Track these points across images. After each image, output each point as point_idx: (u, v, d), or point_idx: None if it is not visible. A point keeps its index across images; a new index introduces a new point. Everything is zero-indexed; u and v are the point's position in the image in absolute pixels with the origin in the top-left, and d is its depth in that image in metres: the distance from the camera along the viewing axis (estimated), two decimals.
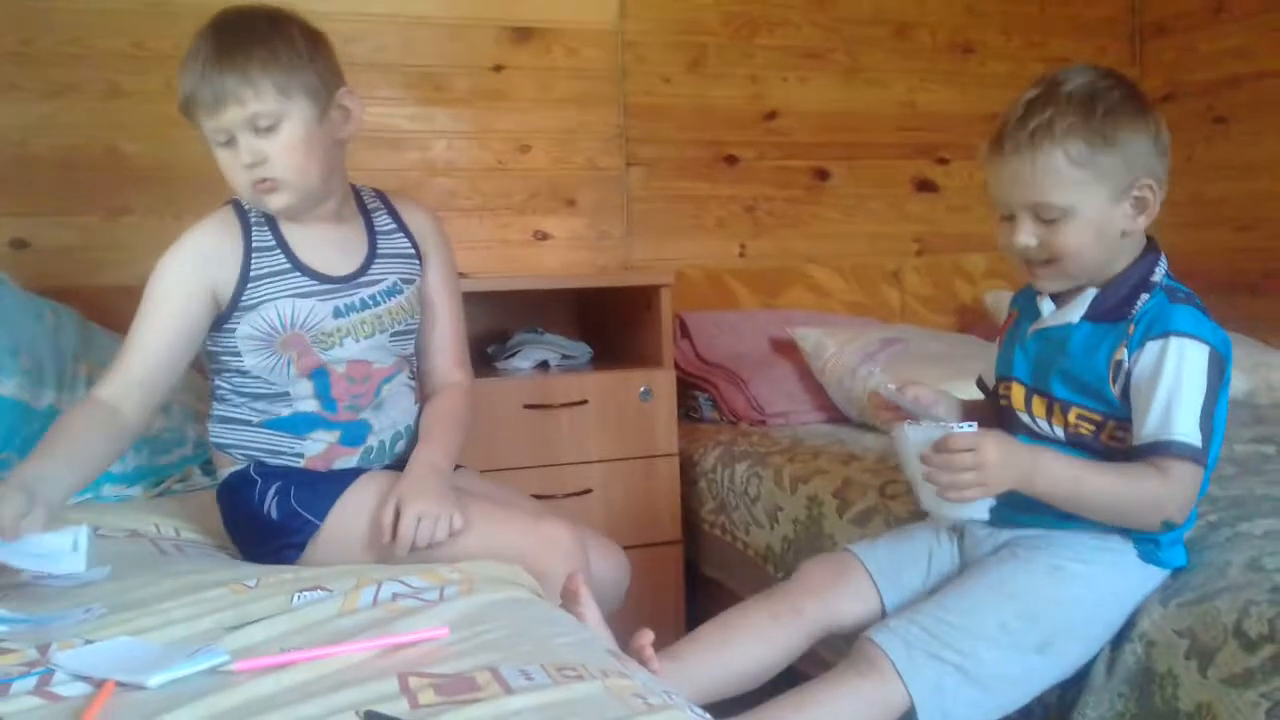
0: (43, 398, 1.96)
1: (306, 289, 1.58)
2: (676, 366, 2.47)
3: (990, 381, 1.61)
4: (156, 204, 2.41)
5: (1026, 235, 1.38)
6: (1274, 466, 1.80)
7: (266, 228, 1.59)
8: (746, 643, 1.47)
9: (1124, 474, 1.31)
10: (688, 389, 2.64)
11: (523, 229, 2.79)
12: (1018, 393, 1.47)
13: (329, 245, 1.62)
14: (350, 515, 1.55)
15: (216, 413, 1.65)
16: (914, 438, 1.33)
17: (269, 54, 1.48)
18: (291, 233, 1.59)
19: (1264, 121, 2.96)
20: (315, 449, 1.61)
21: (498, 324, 2.65)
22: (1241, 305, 2.83)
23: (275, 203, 1.54)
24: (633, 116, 2.86)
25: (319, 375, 1.60)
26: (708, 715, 0.99)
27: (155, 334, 1.53)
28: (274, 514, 1.56)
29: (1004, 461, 1.29)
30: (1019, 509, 1.41)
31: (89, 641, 1.12)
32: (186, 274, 1.55)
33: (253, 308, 1.55)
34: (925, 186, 3.19)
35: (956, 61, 3.18)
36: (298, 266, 1.58)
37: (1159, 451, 1.29)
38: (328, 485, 1.58)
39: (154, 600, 1.25)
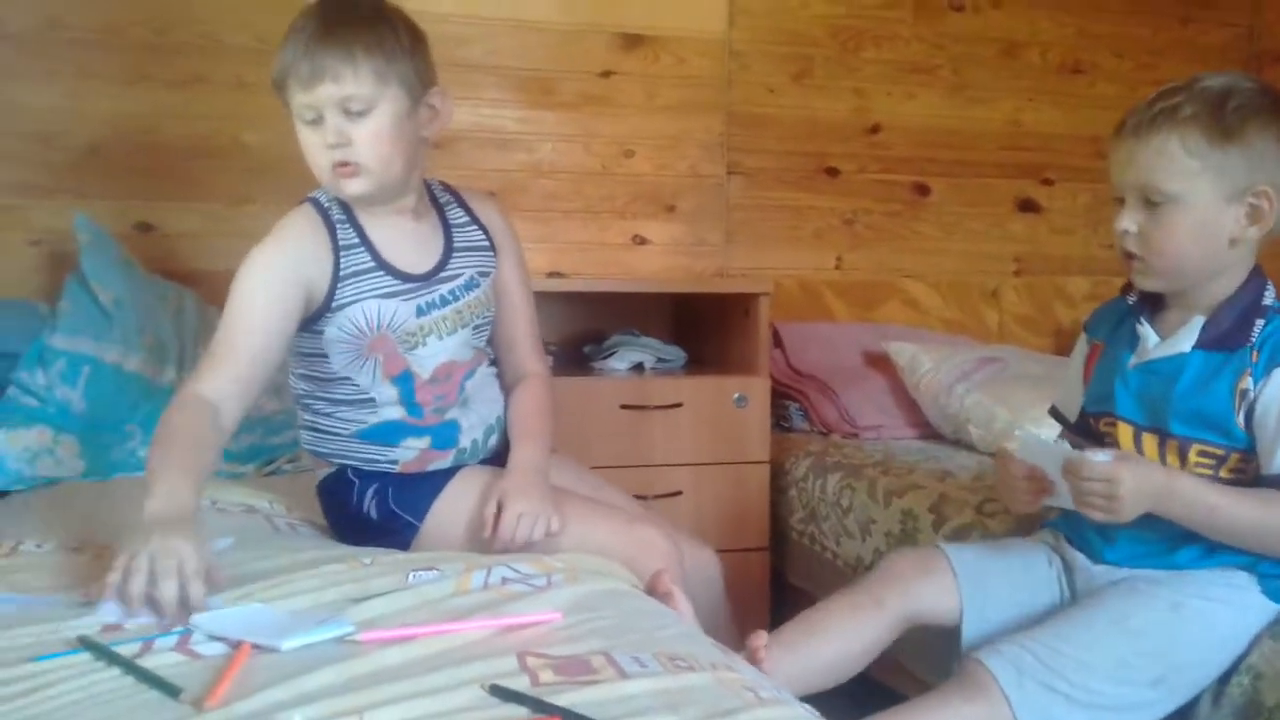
0: (165, 375, 2.06)
1: (391, 289, 1.55)
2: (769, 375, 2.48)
3: (1070, 414, 1.57)
4: (277, 194, 2.49)
5: (1128, 220, 1.35)
6: None
7: (349, 225, 1.55)
8: (828, 636, 1.47)
9: (1263, 502, 1.28)
10: (779, 398, 2.65)
11: (622, 232, 2.82)
12: (1125, 432, 1.42)
13: (408, 241, 1.60)
14: (449, 515, 1.57)
15: (306, 422, 1.63)
16: (1030, 448, 1.36)
17: (374, 38, 1.46)
18: (373, 229, 1.56)
19: None
20: (408, 455, 1.60)
21: (594, 325, 2.69)
22: None
23: (352, 188, 1.50)
24: (736, 125, 2.88)
25: (403, 380, 1.58)
26: (817, 712, 1.01)
27: (256, 334, 1.48)
28: (373, 514, 1.58)
29: (1137, 491, 1.28)
30: (1143, 557, 1.39)
31: (221, 606, 1.17)
32: (281, 271, 1.50)
33: (343, 308, 1.52)
34: (1027, 207, 3.15)
35: (1065, 82, 3.14)
36: (381, 265, 1.55)
37: None
38: (425, 486, 1.59)
39: (278, 572, 1.31)
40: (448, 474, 1.61)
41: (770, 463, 2.38)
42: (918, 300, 3.03)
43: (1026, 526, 1.73)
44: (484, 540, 1.52)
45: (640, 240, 2.83)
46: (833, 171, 2.98)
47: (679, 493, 2.31)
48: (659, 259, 2.84)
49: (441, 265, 1.62)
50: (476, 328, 1.65)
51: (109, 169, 2.42)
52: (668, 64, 2.80)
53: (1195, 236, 1.33)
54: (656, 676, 0.99)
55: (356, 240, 1.55)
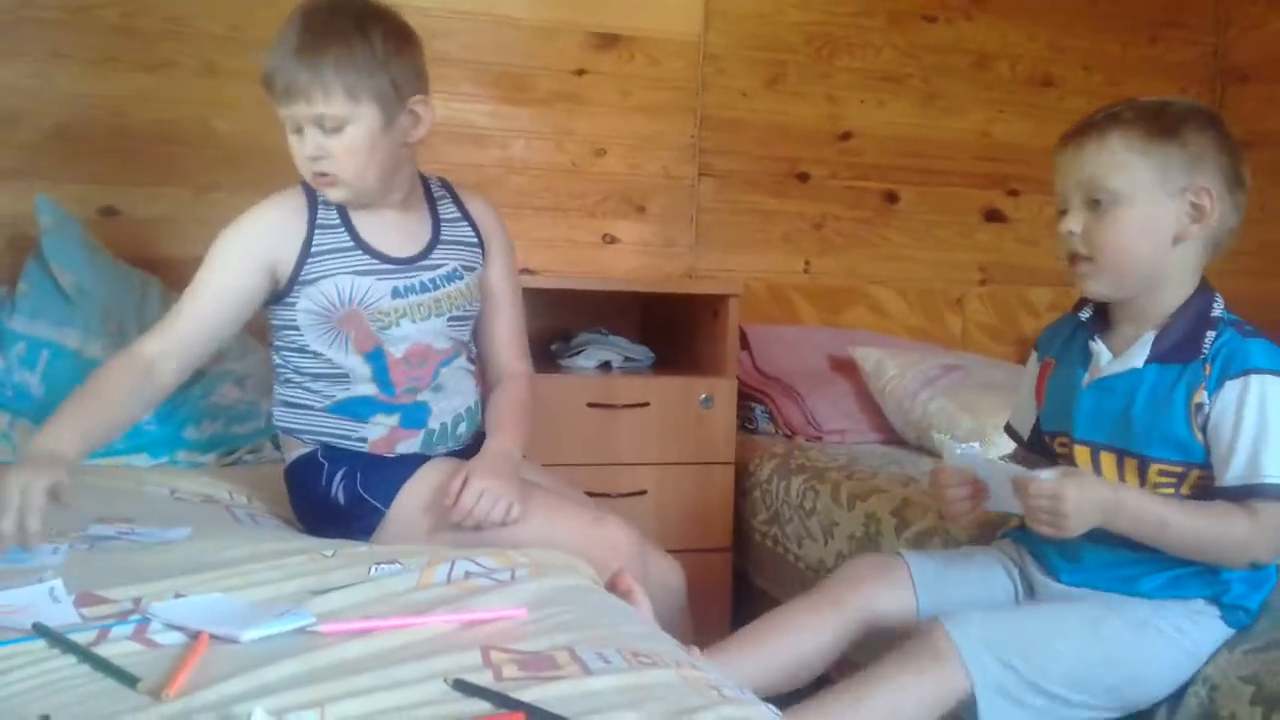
0: None
1: (366, 267, 1.60)
2: None
3: (1024, 432, 1.58)
4: (245, 182, 2.45)
5: (1073, 221, 1.36)
6: None
7: (333, 208, 1.62)
8: (787, 636, 1.47)
9: (1211, 515, 1.29)
10: (744, 400, 2.65)
11: (592, 231, 2.82)
12: (1081, 453, 1.41)
13: (393, 229, 1.65)
14: (415, 501, 1.59)
15: (281, 396, 1.67)
16: (972, 459, 1.38)
17: (345, 55, 1.50)
18: (358, 214, 1.63)
19: None
20: (377, 433, 1.63)
21: (561, 322, 2.68)
22: None
23: (333, 195, 1.59)
24: (708, 128, 2.89)
25: (375, 357, 1.61)
26: (778, 711, 1.01)
27: (207, 300, 1.57)
28: (341, 499, 1.59)
29: (1082, 505, 1.28)
30: (1103, 578, 1.40)
31: (179, 595, 1.16)
32: (247, 245, 1.59)
33: (312, 282, 1.58)
34: (994, 217, 3.19)
35: (1035, 94, 3.18)
36: (360, 245, 1.61)
37: (1248, 495, 1.27)
38: (393, 471, 1.61)
39: (237, 562, 1.29)
40: (416, 461, 1.63)
41: (735, 464, 2.39)
42: (884, 306, 3.06)
43: (986, 535, 1.74)
44: (447, 517, 1.53)
45: (610, 239, 2.83)
46: (803, 176, 3.00)
47: (644, 492, 2.32)
48: (628, 258, 2.85)
49: (424, 254, 1.66)
50: (454, 319, 1.68)
51: (74, 152, 2.39)
52: (642, 64, 2.80)
53: (1140, 231, 1.34)
54: (620, 673, 1.00)
55: (337, 221, 1.61)
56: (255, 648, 1.02)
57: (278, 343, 1.66)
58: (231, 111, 2.47)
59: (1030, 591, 1.50)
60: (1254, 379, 1.29)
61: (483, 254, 1.74)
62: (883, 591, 1.50)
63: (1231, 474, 1.28)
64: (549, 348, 2.64)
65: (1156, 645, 1.33)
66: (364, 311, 1.60)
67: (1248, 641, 1.31)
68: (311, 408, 1.64)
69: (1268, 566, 1.31)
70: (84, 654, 0.98)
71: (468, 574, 1.29)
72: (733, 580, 2.42)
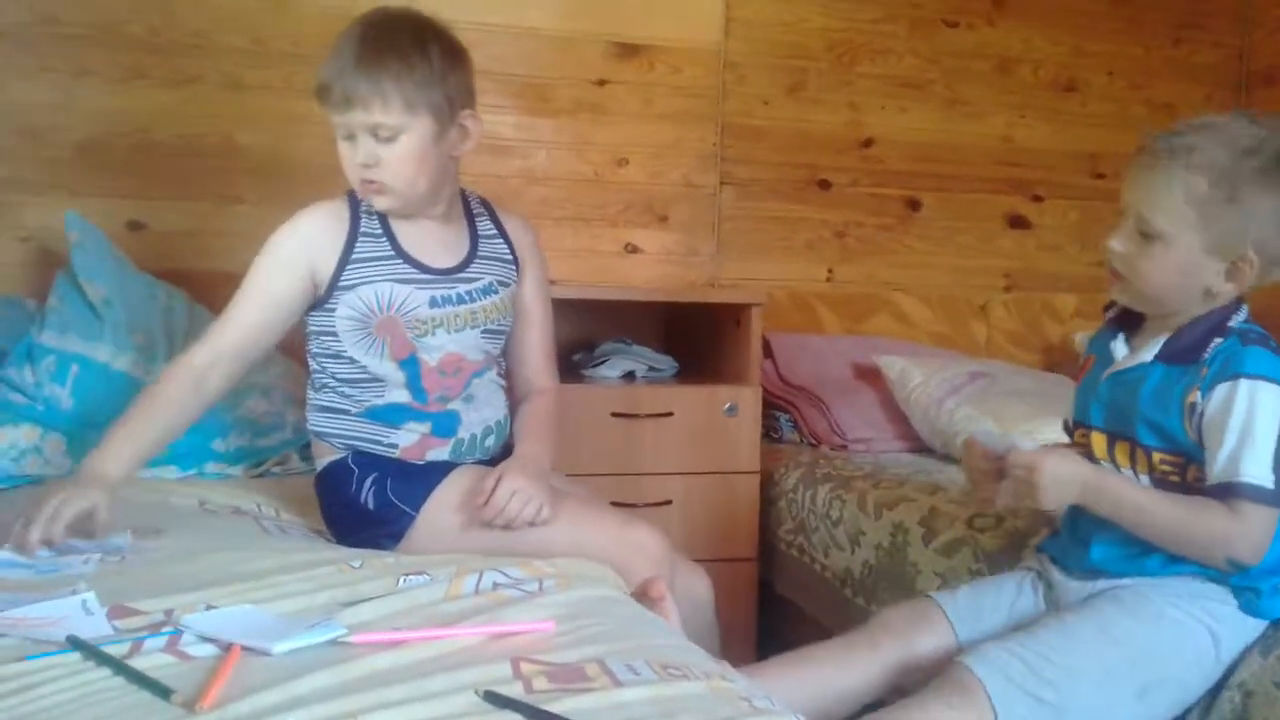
0: (153, 374, 2.02)
1: (406, 276, 1.64)
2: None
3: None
4: (268, 195, 2.49)
5: (1118, 240, 1.39)
6: None
7: (376, 218, 1.65)
8: (822, 666, 1.49)
9: (1191, 506, 1.31)
10: (768, 409, 2.64)
11: (614, 241, 2.83)
12: (1097, 441, 1.45)
13: (432, 240, 1.68)
14: (443, 507, 1.59)
15: (315, 401, 1.69)
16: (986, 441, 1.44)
17: (405, 68, 1.55)
18: (399, 225, 1.66)
19: None
20: (408, 439, 1.65)
21: (584, 333, 2.69)
22: None
23: (380, 204, 1.62)
24: (730, 136, 2.89)
25: (410, 364, 1.64)
26: None
27: (252, 308, 1.61)
28: (370, 504, 1.61)
29: (1058, 480, 1.34)
30: (1116, 560, 1.41)
31: (210, 607, 1.16)
32: (289, 252, 1.62)
33: (352, 288, 1.61)
34: (1018, 223, 3.17)
35: (1058, 99, 3.16)
36: (400, 254, 1.64)
37: (1228, 493, 1.28)
38: (423, 478, 1.62)
39: (267, 573, 1.30)
40: (445, 468, 1.65)
41: (760, 473, 2.39)
42: (907, 314, 3.04)
43: (1015, 544, 1.73)
44: (475, 522, 1.55)
45: (632, 249, 2.83)
46: (825, 184, 2.99)
47: (669, 502, 2.31)
48: (650, 268, 2.85)
49: (463, 266, 1.70)
50: (488, 331, 1.71)
51: (101, 166, 2.41)
52: (663, 73, 2.81)
53: (1173, 275, 1.36)
54: (651, 684, 0.99)
55: (380, 231, 1.65)
56: (287, 660, 1.02)
57: (315, 349, 1.68)
58: (255, 125, 2.49)
59: (1050, 595, 1.50)
60: (1243, 383, 1.31)
61: (517, 271, 1.78)
62: (919, 635, 1.50)
63: (1214, 473, 1.31)
64: (572, 358, 2.65)
65: (1176, 638, 1.32)
66: (401, 319, 1.63)
67: None
68: (346, 413, 1.66)
69: (1249, 567, 1.30)
70: (118, 666, 0.99)
71: (495, 585, 1.29)
72: (758, 590, 2.40)
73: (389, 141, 1.56)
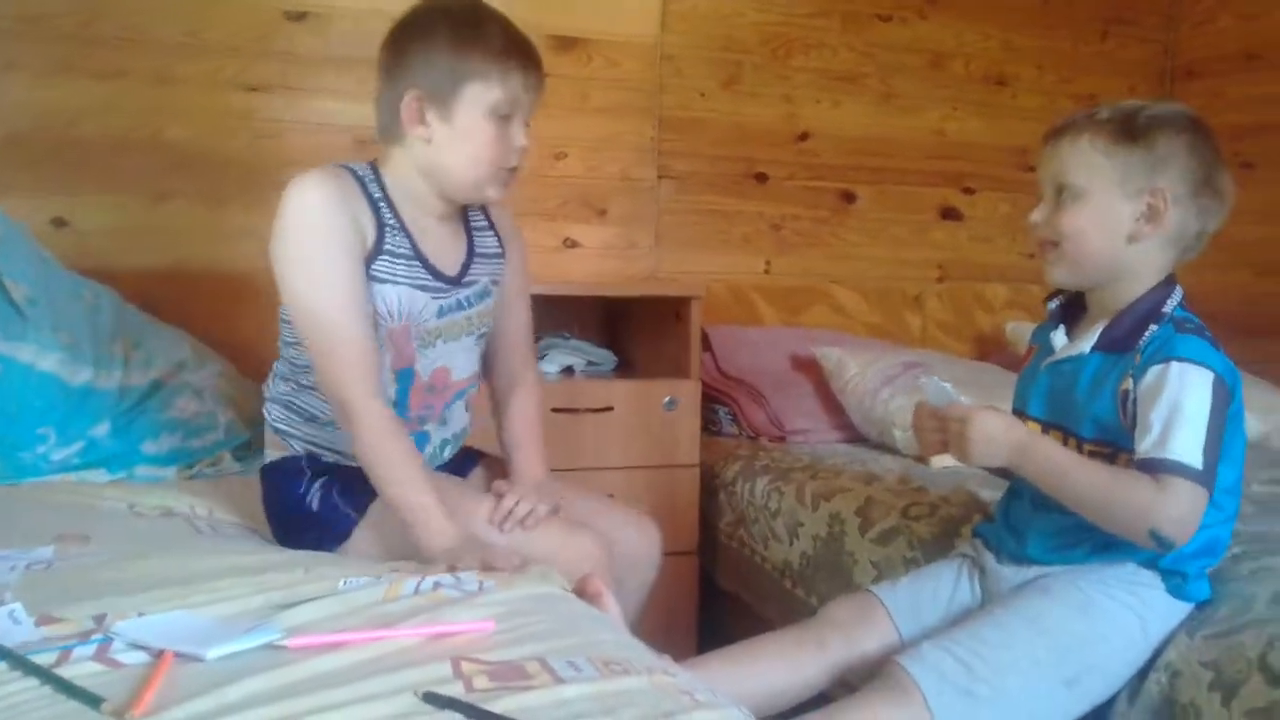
0: (79, 374, 1.99)
1: (423, 282, 1.56)
2: None
3: None
4: (199, 190, 2.44)
5: (1037, 212, 1.44)
6: None
7: (388, 209, 1.54)
8: (770, 662, 1.50)
9: (1116, 474, 1.33)
10: (708, 402, 2.66)
11: (552, 235, 2.82)
12: (1033, 430, 1.47)
13: (440, 241, 1.60)
14: (389, 512, 1.55)
15: (282, 397, 1.62)
16: (930, 391, 1.45)
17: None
18: (413, 221, 1.56)
19: None
20: None
21: None
22: (1260, 348, 2.85)
23: (501, 194, 1.56)
24: (667, 130, 2.90)
25: (405, 375, 1.58)
26: (752, 715, 1.02)
27: (361, 319, 1.47)
28: (315, 505, 1.57)
29: (989, 439, 1.36)
30: (1049, 550, 1.44)
31: (142, 614, 1.14)
32: (342, 227, 1.47)
33: (379, 282, 1.51)
34: (950, 215, 3.22)
35: (989, 93, 3.21)
36: (418, 257, 1.56)
37: (1153, 469, 1.29)
38: (368, 489, 1.56)
39: (203, 577, 1.28)
40: None
41: (700, 466, 2.40)
42: (843, 305, 3.08)
43: (949, 531, 1.76)
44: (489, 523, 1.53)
45: (571, 243, 2.83)
46: (762, 177, 3.01)
47: (610, 496, 2.31)
48: (590, 262, 2.84)
49: (465, 270, 1.63)
50: (480, 336, 1.68)
51: (25, 162, 2.34)
52: (600, 67, 2.80)
53: (1093, 224, 1.40)
54: (592, 681, 0.99)
55: (396, 224, 1.55)
56: (221, 665, 1.00)
57: (290, 339, 1.57)
58: (185, 120, 2.44)
59: (983, 581, 1.53)
60: (1174, 365, 1.33)
61: (504, 263, 1.72)
62: (863, 634, 1.52)
63: (1141, 448, 1.32)
64: None
65: (1102, 627, 1.35)
66: (412, 328, 1.56)
67: (1207, 626, 1.34)
68: (317, 419, 1.59)
69: (1175, 545, 1.31)
70: (46, 675, 0.96)
71: (437, 585, 1.28)
72: (700, 584, 2.42)
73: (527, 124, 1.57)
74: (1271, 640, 1.25)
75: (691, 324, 2.39)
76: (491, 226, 1.72)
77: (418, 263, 1.56)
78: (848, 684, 1.53)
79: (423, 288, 1.56)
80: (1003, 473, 1.57)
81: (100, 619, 1.12)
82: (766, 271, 3.04)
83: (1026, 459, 1.37)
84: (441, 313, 1.59)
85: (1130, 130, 1.38)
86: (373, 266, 1.51)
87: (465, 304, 1.63)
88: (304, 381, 1.59)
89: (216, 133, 2.45)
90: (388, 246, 1.52)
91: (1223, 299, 2.94)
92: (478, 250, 1.67)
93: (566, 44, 2.77)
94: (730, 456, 2.44)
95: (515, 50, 1.52)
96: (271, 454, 1.64)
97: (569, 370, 2.51)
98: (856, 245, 3.12)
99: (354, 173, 1.54)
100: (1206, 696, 1.27)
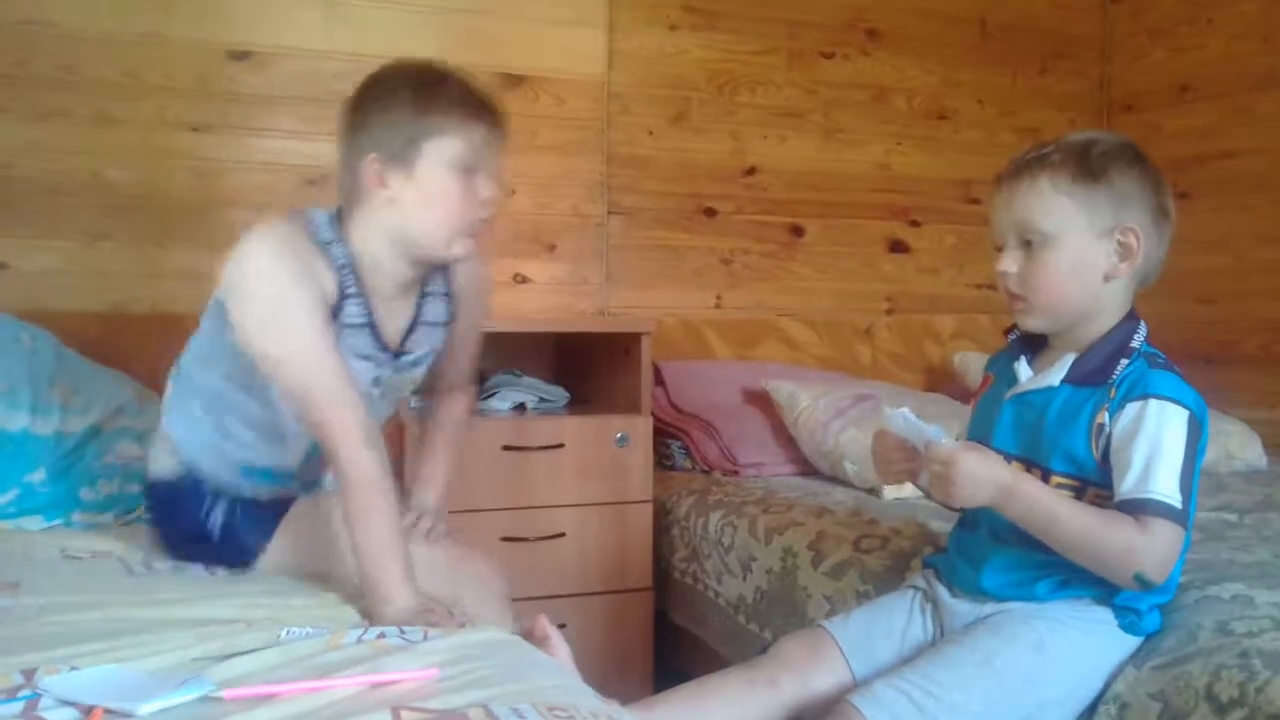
0: (15, 421, 1.95)
1: (369, 353, 1.55)
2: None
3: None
4: (138, 232, 2.41)
5: (1008, 261, 1.41)
6: (1236, 533, 1.85)
7: (350, 276, 1.51)
8: (720, 704, 1.47)
9: (1101, 517, 1.32)
10: (661, 437, 2.65)
11: (502, 271, 2.80)
12: (1016, 469, 1.43)
13: (391, 310, 1.58)
14: (293, 540, 1.58)
15: (190, 414, 1.60)
16: (897, 424, 1.42)
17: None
18: (374, 290, 1.54)
19: (1225, 199, 3.06)
20: (269, 493, 1.63)
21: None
22: (1200, 375, 2.85)
23: (469, 248, 1.54)
24: (616, 166, 2.91)
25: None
26: None
27: (345, 383, 1.44)
28: (215, 533, 1.58)
29: (974, 480, 1.33)
30: (1005, 586, 1.43)
31: (74, 668, 1.11)
32: (313, 294, 1.45)
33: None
34: (897, 247, 3.25)
35: (931, 127, 3.26)
36: (370, 326, 1.54)
37: (1137, 509, 1.30)
38: (271, 512, 1.60)
39: (139, 628, 1.24)
40: (289, 501, 1.63)
41: (653, 502, 2.39)
42: (794, 338, 3.09)
43: (900, 565, 1.76)
44: (323, 555, 1.53)
45: (521, 279, 2.82)
46: (711, 212, 3.03)
47: (562, 534, 2.29)
48: (539, 298, 2.84)
49: (403, 341, 1.61)
50: (398, 398, 1.70)
51: None
52: (548, 104, 2.81)
53: (1071, 273, 1.39)
54: None
55: (355, 292, 1.52)
56: None
57: (225, 369, 1.54)
58: (125, 160, 2.41)
59: (936, 614, 1.51)
60: (1153, 402, 1.33)
61: (449, 327, 1.70)
62: (816, 672, 1.49)
63: (1123, 489, 1.32)
64: None
65: (1055, 666, 1.35)
66: None
67: (1155, 658, 1.34)
68: (224, 456, 1.59)
69: (1155, 585, 1.32)
70: None
71: (381, 634, 1.26)
72: (654, 619, 2.40)
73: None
74: (1217, 670, 1.25)
75: (643, 359, 2.39)
76: (448, 293, 1.68)
77: (367, 331, 1.54)
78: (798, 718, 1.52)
79: (366, 358, 1.55)
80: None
81: (29, 674, 1.08)
82: (717, 305, 3.04)
83: (1012, 500, 1.34)
84: (377, 382, 1.59)
85: (1087, 169, 1.37)
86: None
87: (399, 370, 1.62)
88: (228, 416, 1.58)
89: (157, 173, 2.42)
90: (344, 317, 1.51)
91: (1162, 327, 2.97)
92: (422, 320, 1.63)
93: (514, 81, 2.77)
94: (684, 491, 2.43)
95: (474, 103, 1.51)
96: (161, 466, 1.63)
97: (520, 407, 2.49)
98: (806, 278, 3.14)
99: (315, 231, 1.51)
100: None
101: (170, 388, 1.65)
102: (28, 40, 2.35)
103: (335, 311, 1.49)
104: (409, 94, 1.49)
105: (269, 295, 1.44)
